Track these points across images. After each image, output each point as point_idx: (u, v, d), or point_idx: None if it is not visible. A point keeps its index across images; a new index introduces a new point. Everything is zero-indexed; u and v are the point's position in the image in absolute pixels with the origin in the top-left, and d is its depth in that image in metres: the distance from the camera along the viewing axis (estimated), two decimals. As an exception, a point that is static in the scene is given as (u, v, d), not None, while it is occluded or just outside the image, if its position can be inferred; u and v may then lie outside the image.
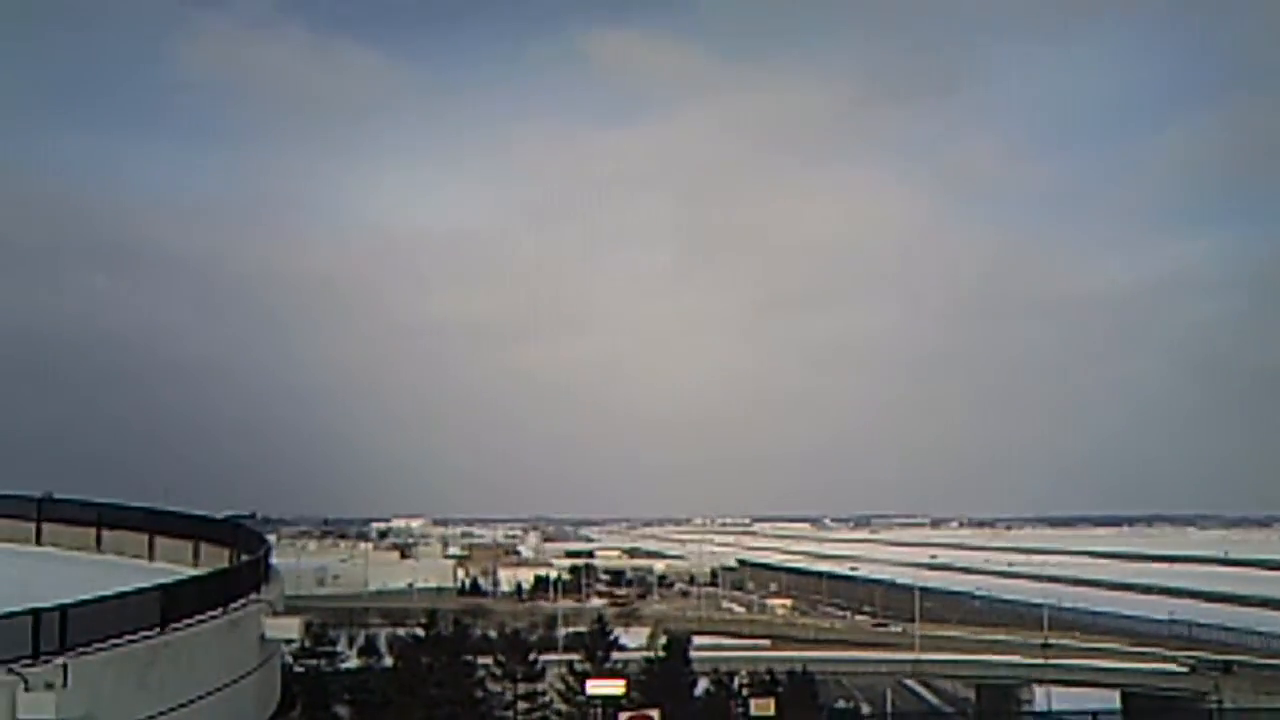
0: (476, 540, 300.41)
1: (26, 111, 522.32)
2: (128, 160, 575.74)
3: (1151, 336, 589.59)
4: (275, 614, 22.84)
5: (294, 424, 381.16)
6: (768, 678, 70.12)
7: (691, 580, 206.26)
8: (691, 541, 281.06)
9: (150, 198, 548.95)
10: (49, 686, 14.31)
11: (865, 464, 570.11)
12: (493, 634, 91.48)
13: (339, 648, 73.67)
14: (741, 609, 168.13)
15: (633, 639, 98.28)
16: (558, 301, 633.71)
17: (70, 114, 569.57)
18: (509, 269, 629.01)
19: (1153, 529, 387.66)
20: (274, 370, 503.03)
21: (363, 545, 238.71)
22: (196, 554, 28.08)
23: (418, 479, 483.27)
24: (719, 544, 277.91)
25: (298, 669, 59.77)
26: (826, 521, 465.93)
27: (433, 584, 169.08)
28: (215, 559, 26.87)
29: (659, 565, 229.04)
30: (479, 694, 61.75)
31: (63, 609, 15.34)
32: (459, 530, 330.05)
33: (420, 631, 66.05)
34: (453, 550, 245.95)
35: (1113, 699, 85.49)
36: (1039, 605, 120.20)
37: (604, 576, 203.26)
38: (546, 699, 64.61)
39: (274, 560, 27.52)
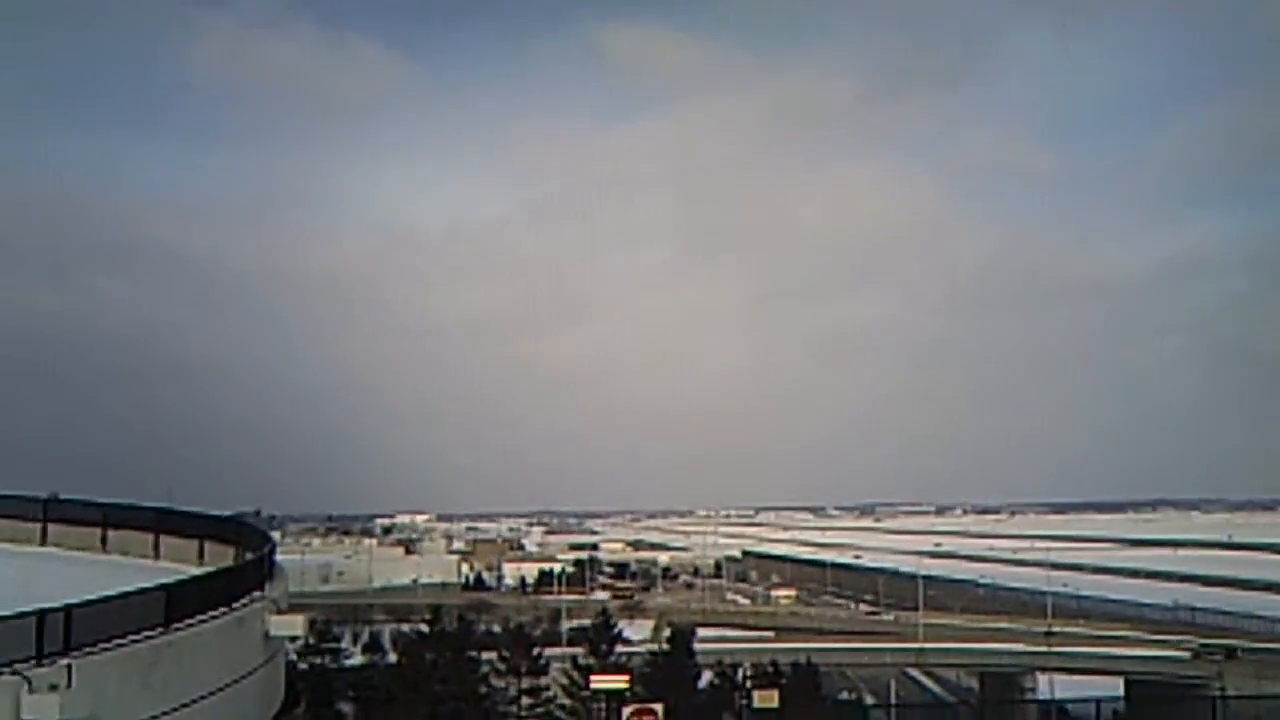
0: (481, 535, 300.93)
1: (28, 111, 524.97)
2: (129, 160, 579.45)
3: (1154, 323, 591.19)
4: (280, 611, 22.91)
5: (297, 421, 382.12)
6: (771, 669, 70.32)
7: (696, 572, 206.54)
8: (696, 533, 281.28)
9: (152, 197, 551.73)
10: (53, 687, 14.37)
11: (868, 453, 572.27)
12: (497, 629, 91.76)
13: (343, 644, 73.80)
14: (746, 600, 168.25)
15: (637, 632, 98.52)
16: (560, 296, 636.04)
17: (70, 114, 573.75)
18: (511, 264, 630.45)
19: (1156, 514, 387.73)
20: (277, 368, 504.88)
21: (367, 541, 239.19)
22: (201, 553, 28.16)
23: (421, 475, 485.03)
24: (723, 535, 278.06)
25: (302, 666, 59.96)
26: (830, 510, 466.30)
27: (437, 579, 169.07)
28: (220, 557, 26.96)
29: (663, 557, 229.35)
30: (483, 689, 61.89)
31: (67, 609, 15.38)
32: (463, 525, 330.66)
33: (424, 627, 66.22)
34: (457, 545, 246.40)
35: (1116, 686, 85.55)
36: (1043, 593, 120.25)
37: (608, 569, 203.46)
38: (550, 694, 64.69)
39: (278, 558, 27.56)
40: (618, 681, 48.72)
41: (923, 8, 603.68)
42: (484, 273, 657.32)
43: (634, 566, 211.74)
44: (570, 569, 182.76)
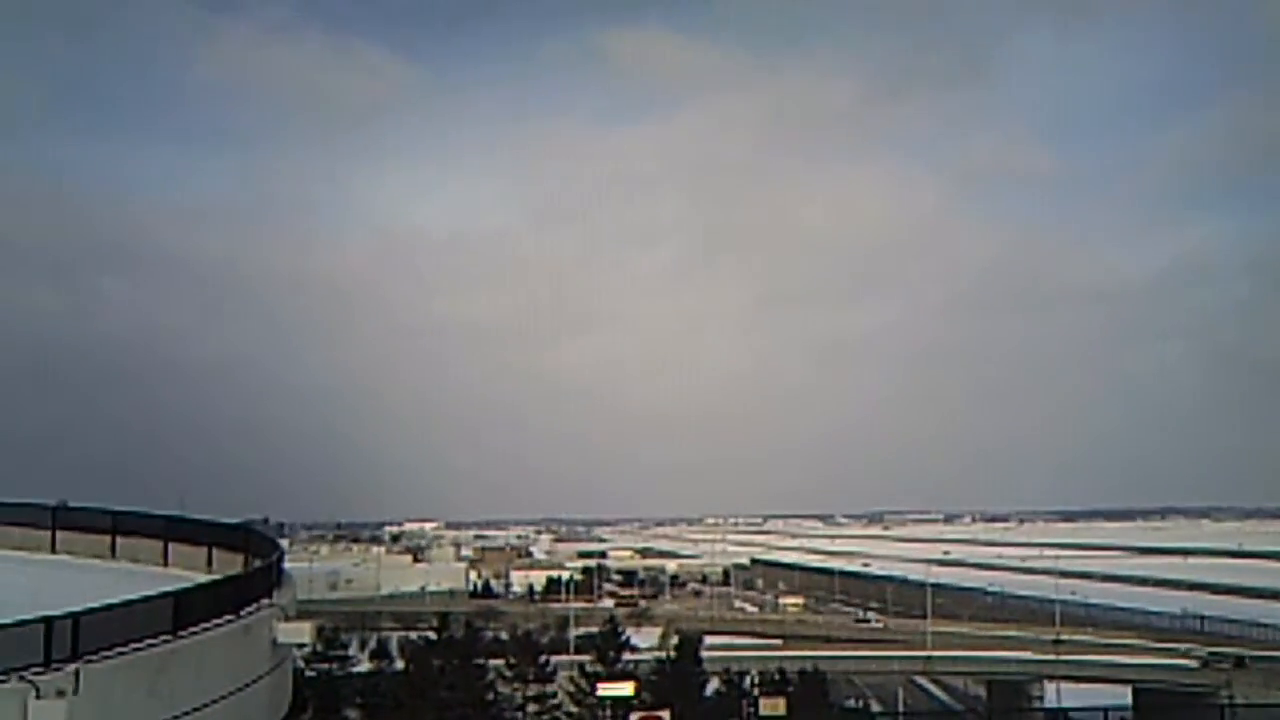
0: (489, 543, 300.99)
1: (32, 113, 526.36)
2: (133, 162, 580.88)
3: (1155, 328, 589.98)
4: (287, 618, 22.96)
5: (306, 429, 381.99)
6: (778, 677, 70.27)
7: (704, 580, 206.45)
8: (704, 541, 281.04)
9: (155, 200, 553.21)
10: (60, 694, 14.46)
11: (874, 459, 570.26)
12: (504, 636, 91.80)
13: (351, 651, 73.82)
14: (754, 608, 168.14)
15: (644, 639, 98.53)
16: (563, 301, 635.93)
17: (73, 117, 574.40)
18: (514, 269, 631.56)
19: (1166, 521, 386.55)
20: (280, 372, 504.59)
21: (375, 549, 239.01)
22: (210, 560, 28.29)
23: (430, 483, 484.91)
24: (732, 543, 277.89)
25: (309, 673, 59.99)
26: (839, 518, 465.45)
27: (445, 587, 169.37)
28: (228, 565, 27.04)
29: (671, 565, 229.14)
30: (490, 696, 61.92)
31: (75, 617, 15.45)
32: (471, 533, 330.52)
33: (432, 634, 66.21)
34: (465, 553, 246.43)
35: (1124, 694, 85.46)
36: (1051, 600, 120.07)
37: (616, 577, 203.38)
38: (557, 701, 64.71)
39: (286, 565, 27.65)
40: (624, 688, 48.79)
41: (923, 9, 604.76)
42: (487, 277, 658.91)
43: (642, 574, 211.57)
44: (578, 576, 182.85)
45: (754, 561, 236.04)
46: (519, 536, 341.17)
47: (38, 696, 14.34)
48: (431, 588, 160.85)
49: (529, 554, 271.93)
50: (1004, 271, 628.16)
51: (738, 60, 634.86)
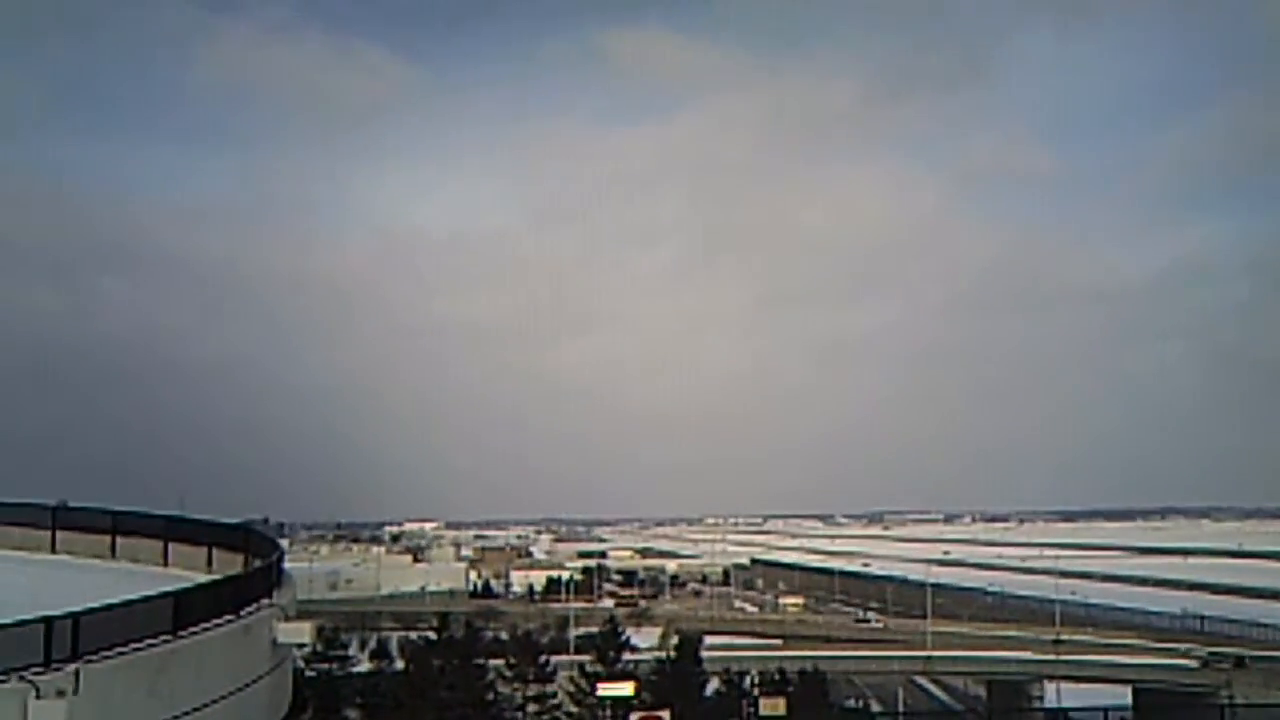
0: (489, 543, 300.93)
1: (31, 113, 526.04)
2: (133, 162, 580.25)
3: (1155, 328, 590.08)
4: (287, 618, 22.96)
5: (306, 429, 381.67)
6: (778, 677, 70.25)
7: (704, 580, 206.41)
8: (704, 541, 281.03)
9: (155, 200, 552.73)
10: (60, 694, 14.46)
11: (877, 460, 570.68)
12: (504, 636, 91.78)
13: (350, 651, 73.81)
14: (754, 608, 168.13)
15: (644, 639, 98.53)
16: (563, 301, 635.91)
17: (74, 117, 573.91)
18: (514, 269, 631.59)
19: (1166, 521, 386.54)
20: (280, 372, 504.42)
21: (375, 549, 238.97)
22: (210, 560, 28.29)
23: (430, 483, 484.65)
24: (732, 543, 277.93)
25: (309, 673, 59.97)
26: (839, 518, 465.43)
27: (445, 587, 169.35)
28: (228, 565, 27.04)
29: (671, 565, 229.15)
30: (490, 696, 61.91)
31: (75, 617, 15.45)
32: (471, 533, 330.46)
33: (431, 634, 66.18)
34: (465, 553, 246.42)
35: (1124, 694, 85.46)
36: (1051, 600, 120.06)
37: (616, 577, 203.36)
38: (557, 701, 64.70)
39: (286, 565, 27.65)
40: (624, 688, 48.78)
41: (923, 9, 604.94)
42: (487, 277, 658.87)
43: (642, 574, 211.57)
44: (578, 576, 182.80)
45: (754, 561, 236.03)
46: (519, 536, 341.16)
47: (38, 696, 14.35)
48: (431, 588, 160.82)
49: (529, 554, 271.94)
50: (1004, 271, 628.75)
51: (738, 61, 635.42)
